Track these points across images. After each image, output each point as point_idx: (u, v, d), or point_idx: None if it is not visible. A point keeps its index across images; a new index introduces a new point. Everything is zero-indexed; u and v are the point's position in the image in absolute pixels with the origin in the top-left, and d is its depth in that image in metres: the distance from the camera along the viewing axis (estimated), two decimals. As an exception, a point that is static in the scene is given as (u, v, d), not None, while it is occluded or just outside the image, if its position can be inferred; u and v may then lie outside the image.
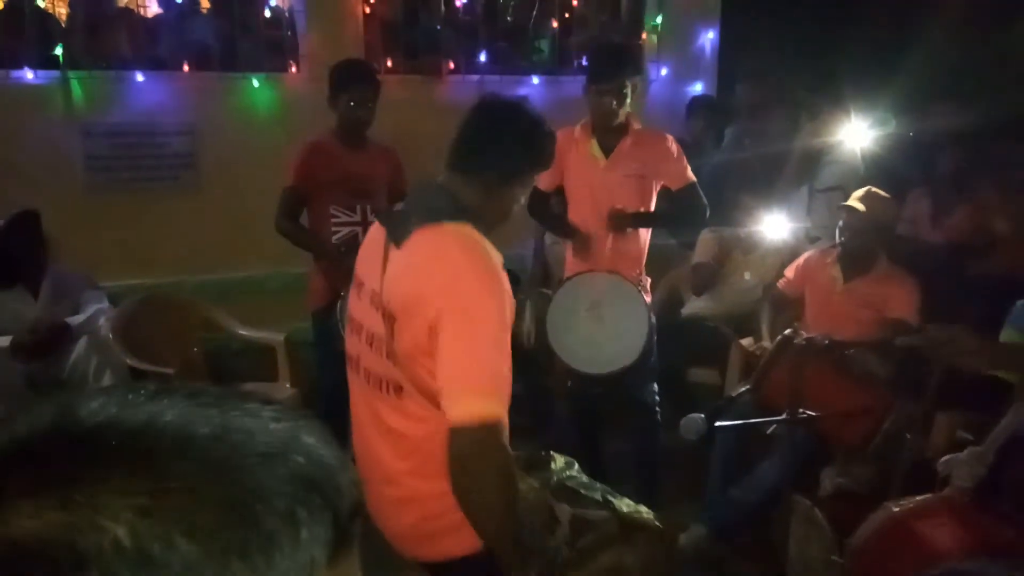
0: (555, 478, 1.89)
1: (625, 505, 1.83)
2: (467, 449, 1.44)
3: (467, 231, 1.60)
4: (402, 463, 1.65)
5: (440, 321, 1.49)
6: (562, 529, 1.77)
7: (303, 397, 3.49)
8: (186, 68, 4.40)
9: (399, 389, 1.62)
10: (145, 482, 0.40)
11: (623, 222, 2.97)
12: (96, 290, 3.68)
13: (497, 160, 1.67)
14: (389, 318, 1.59)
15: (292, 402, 3.45)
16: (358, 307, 1.72)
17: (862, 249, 3.17)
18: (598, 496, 1.81)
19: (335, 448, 0.48)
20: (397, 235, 1.63)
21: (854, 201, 3.13)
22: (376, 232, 1.74)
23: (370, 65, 3.49)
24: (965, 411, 2.87)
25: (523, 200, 1.78)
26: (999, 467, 2.23)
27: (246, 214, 3.86)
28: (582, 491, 1.82)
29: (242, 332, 3.69)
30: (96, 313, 3.47)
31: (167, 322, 3.59)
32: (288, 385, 3.53)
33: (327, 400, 3.33)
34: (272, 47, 4.66)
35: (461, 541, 1.60)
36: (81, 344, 3.45)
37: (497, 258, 1.60)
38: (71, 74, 4.15)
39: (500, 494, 1.47)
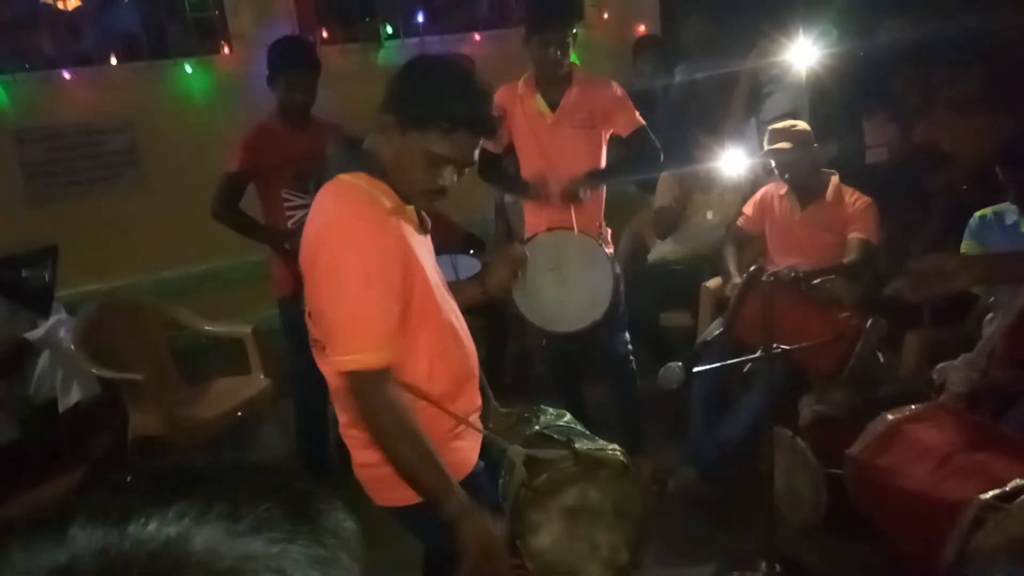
0: (535, 429, 1.87)
1: (591, 444, 1.79)
2: (354, 397, 1.53)
3: (353, 181, 1.58)
4: (344, 416, 1.70)
5: (316, 275, 1.53)
6: (517, 471, 1.77)
7: (277, 386, 3.44)
8: (114, 61, 4.24)
9: (322, 347, 1.63)
10: None
11: (576, 190, 2.92)
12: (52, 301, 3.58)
13: (402, 103, 1.57)
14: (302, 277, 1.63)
15: (267, 393, 3.42)
16: None
17: (807, 177, 3.25)
18: (563, 438, 1.79)
19: None
20: (312, 194, 1.65)
21: (777, 144, 3.20)
22: None
23: (309, 45, 3.33)
24: (933, 328, 2.93)
25: (449, 176, 1.61)
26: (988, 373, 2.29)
27: (196, 205, 3.71)
28: (554, 436, 1.80)
29: (208, 328, 3.61)
30: (55, 324, 3.38)
31: (130, 326, 3.50)
32: (262, 376, 3.47)
33: (301, 391, 3.28)
34: (201, 30, 4.50)
35: (407, 489, 1.62)
36: (44, 358, 3.36)
37: (387, 205, 1.55)
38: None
39: (394, 433, 1.52)
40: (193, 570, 0.40)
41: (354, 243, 1.51)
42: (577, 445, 1.75)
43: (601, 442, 1.85)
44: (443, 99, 1.54)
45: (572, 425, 1.88)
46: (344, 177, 1.59)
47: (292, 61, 3.06)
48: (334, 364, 1.53)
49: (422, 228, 1.70)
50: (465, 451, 1.73)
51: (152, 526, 0.41)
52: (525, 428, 1.86)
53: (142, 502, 0.42)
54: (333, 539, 0.46)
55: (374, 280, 1.50)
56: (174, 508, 0.42)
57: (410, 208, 1.64)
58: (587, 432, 1.89)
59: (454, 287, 1.86)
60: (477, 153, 1.63)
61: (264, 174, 3.11)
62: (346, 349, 1.51)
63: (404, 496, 1.62)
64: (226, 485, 0.45)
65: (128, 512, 0.41)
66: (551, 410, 1.93)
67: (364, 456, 1.66)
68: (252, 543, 0.42)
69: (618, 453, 1.79)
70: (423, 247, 1.67)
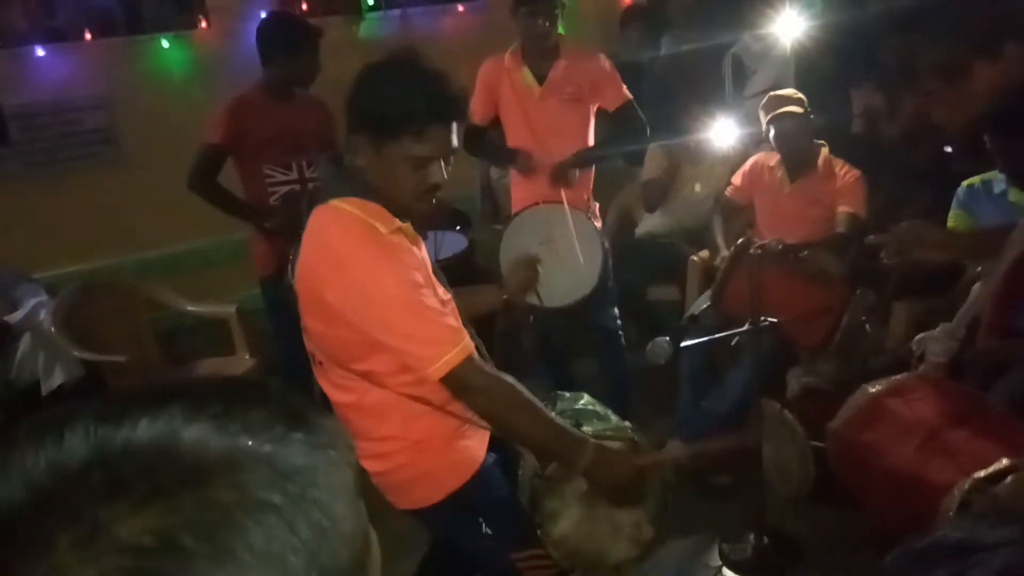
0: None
1: (601, 425, 1.78)
2: (461, 395, 1.56)
3: (348, 208, 1.55)
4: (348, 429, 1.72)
5: (348, 316, 1.53)
6: (527, 461, 1.78)
7: (263, 367, 3.41)
8: (89, 36, 4.13)
9: (320, 362, 1.68)
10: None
11: (566, 170, 2.89)
12: (31, 283, 3.53)
13: (366, 120, 1.54)
14: (298, 295, 1.64)
15: (252, 373, 3.38)
16: None
17: (804, 147, 3.21)
18: (573, 422, 1.76)
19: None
20: (306, 215, 1.63)
21: (784, 108, 3.13)
22: None
23: (309, 27, 3.03)
24: (920, 299, 2.92)
25: (438, 172, 1.58)
26: (969, 342, 2.28)
27: (176, 182, 3.66)
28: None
29: (191, 308, 3.57)
30: (36, 307, 3.33)
31: (112, 307, 3.45)
32: (247, 356, 3.44)
33: (285, 371, 3.25)
34: (178, 3, 4.40)
35: (424, 491, 1.69)
36: (25, 341, 3.32)
37: (384, 227, 1.55)
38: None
39: (511, 407, 1.56)
40: (182, 460, 0.42)
41: (380, 269, 1.52)
42: (585, 428, 1.73)
43: (614, 420, 1.84)
44: (403, 102, 1.51)
45: (589, 407, 1.87)
46: (336, 203, 1.57)
47: (297, 45, 2.94)
48: (429, 377, 1.52)
49: (416, 240, 1.69)
50: (472, 449, 1.74)
51: (143, 423, 0.43)
52: None
53: (137, 406, 0.44)
54: (328, 444, 0.48)
55: (413, 292, 1.53)
56: (167, 409, 0.44)
57: (406, 224, 1.63)
58: (602, 412, 1.88)
59: (472, 295, 1.91)
60: (456, 137, 1.59)
61: (246, 148, 3.04)
62: (430, 358, 1.51)
63: (424, 497, 1.68)
64: (219, 392, 0.47)
65: (123, 414, 0.44)
66: (567, 395, 1.93)
67: (375, 465, 1.67)
68: (242, 439, 0.44)
69: (627, 431, 1.78)
70: (418, 259, 1.67)
